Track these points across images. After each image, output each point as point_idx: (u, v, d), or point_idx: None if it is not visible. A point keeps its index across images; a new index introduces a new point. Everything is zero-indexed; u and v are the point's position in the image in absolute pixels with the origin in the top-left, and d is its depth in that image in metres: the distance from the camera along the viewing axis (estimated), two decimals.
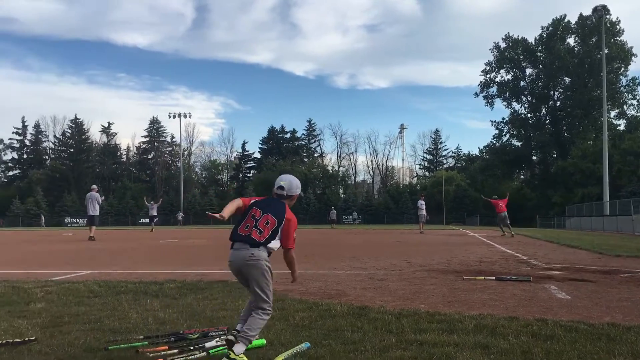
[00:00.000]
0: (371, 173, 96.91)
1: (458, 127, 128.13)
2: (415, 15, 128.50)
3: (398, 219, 70.12)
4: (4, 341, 4.19)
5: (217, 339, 4.16)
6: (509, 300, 6.22)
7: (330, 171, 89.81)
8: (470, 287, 7.36)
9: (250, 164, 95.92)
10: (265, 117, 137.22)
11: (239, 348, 3.71)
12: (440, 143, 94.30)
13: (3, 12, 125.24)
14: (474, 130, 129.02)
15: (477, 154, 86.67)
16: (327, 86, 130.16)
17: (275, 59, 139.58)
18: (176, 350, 3.95)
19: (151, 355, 3.84)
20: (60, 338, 4.35)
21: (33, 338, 4.30)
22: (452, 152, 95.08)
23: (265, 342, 4.14)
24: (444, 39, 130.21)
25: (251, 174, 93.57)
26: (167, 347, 4.03)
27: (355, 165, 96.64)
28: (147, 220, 41.14)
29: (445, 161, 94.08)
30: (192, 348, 4.00)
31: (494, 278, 8.14)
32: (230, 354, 3.64)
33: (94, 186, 23.22)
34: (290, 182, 4.33)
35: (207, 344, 4.03)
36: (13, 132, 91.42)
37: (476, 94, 76.81)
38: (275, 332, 4.48)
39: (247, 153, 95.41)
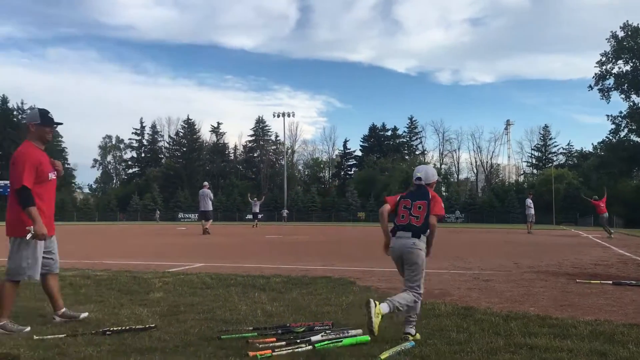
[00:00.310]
0: (475, 171, 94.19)
1: (569, 122, 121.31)
2: (523, 6, 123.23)
3: (503, 218, 67.57)
4: (127, 327, 4.53)
5: (322, 333, 4.25)
6: (628, 307, 5.84)
7: None
8: (584, 291, 6.98)
9: (352, 161, 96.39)
10: (366, 115, 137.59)
11: (384, 307, 4.17)
12: (550, 139, 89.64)
13: (124, 21, 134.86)
14: (587, 125, 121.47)
15: (591, 150, 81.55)
16: (429, 83, 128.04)
17: (376, 56, 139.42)
18: (284, 342, 4.08)
19: (260, 345, 3.99)
20: (177, 326, 4.64)
21: (153, 325, 4.62)
22: (563, 149, 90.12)
23: (369, 338, 4.17)
24: (553, 30, 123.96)
25: (352, 172, 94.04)
26: (275, 339, 4.17)
27: (458, 163, 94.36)
28: (251, 217, 42.49)
29: (555, 158, 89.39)
30: (298, 341, 4.11)
31: (611, 282, 7.67)
32: (376, 305, 4.07)
33: (206, 183, 24.58)
34: (426, 172, 4.84)
35: (313, 338, 4.12)
36: (132, 133, 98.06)
37: (590, 87, 71.99)
38: (379, 329, 4.49)
39: (348, 151, 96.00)
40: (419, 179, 4.73)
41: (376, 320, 4.04)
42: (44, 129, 4.80)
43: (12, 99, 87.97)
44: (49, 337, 4.20)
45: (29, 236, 4.47)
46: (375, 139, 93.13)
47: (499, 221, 64.68)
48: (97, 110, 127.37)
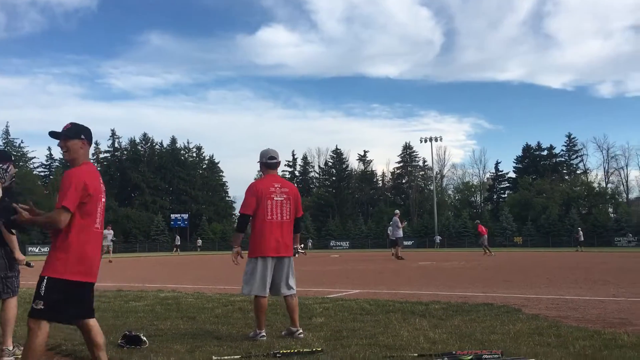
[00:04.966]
0: None
1: None
2: None
3: None
4: (296, 350, 4.70)
5: None
6: None
7: (597, 189, 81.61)
8: None
9: (505, 184, 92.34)
10: (518, 135, 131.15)
11: None
12: None
13: (276, 60, 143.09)
14: None
15: None
16: (588, 97, 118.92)
17: (528, 73, 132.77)
18: None
19: None
20: (342, 351, 4.71)
21: (320, 349, 4.74)
22: None
23: None
24: None
25: (506, 195, 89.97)
26: None
27: (626, 181, 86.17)
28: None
29: None
30: None
31: None
32: None
33: (397, 211, 26.29)
34: None
35: None
36: (285, 165, 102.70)
37: None
38: (554, 359, 4.21)
39: (500, 173, 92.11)
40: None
41: None
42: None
43: (180, 139, 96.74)
44: (226, 358, 4.48)
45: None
46: (530, 159, 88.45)
47: None
48: (252, 145, 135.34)
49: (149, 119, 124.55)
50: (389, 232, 29.17)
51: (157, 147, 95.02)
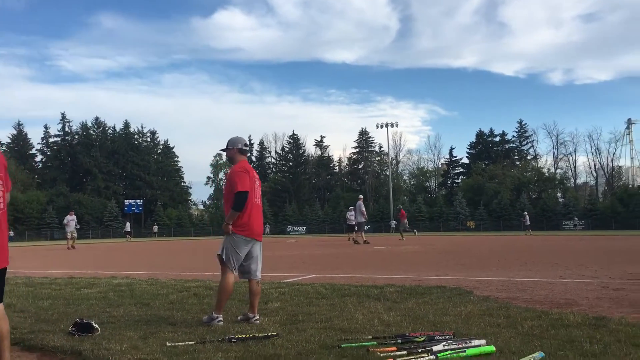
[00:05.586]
0: (594, 174, 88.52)
1: None
2: None
3: (629, 225, 62.71)
4: (251, 335, 4.69)
5: (444, 343, 4.15)
6: None
7: (546, 174, 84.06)
8: None
9: (459, 169, 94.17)
10: (472, 121, 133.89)
11: None
12: None
13: (232, 44, 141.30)
14: None
15: None
16: (539, 84, 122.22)
17: (482, 61, 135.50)
18: (404, 352, 4.03)
19: (381, 355, 3.97)
20: (298, 334, 4.73)
21: (275, 333, 4.74)
22: None
23: (494, 349, 4.02)
24: None
25: (459, 180, 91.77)
26: (395, 348, 4.13)
27: (574, 167, 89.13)
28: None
29: None
30: (419, 350, 4.05)
31: None
32: None
33: (361, 196, 26.26)
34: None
35: (435, 348, 4.04)
36: None
37: None
38: (503, 339, 4.33)
39: (455, 159, 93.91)
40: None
41: None
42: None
43: (133, 123, 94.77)
44: (180, 344, 4.44)
45: None
46: (483, 145, 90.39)
47: (623, 227, 60.14)
48: (208, 130, 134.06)
49: (101, 103, 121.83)
50: (349, 216, 27.47)
51: (109, 131, 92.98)
